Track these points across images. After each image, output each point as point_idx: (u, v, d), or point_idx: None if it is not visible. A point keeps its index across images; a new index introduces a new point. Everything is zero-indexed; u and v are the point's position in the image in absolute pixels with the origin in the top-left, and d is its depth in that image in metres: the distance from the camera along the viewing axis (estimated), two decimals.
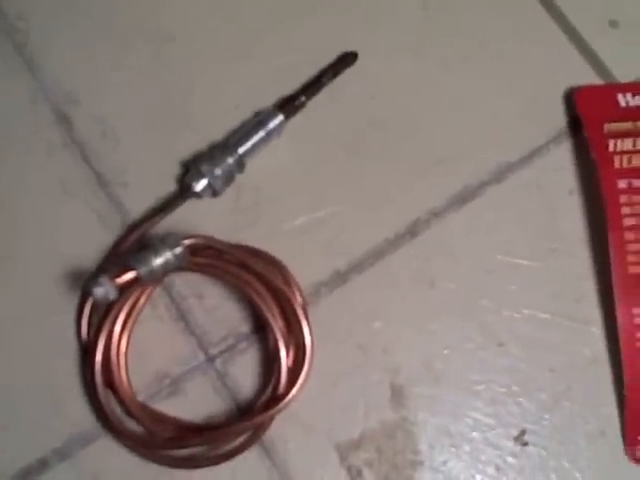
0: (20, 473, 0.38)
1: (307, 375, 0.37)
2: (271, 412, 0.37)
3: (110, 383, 0.38)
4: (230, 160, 0.41)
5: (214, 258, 0.39)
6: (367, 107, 0.44)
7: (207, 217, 0.41)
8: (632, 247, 0.39)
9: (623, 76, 0.44)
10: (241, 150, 0.41)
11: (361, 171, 0.43)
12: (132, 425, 0.38)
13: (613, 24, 0.45)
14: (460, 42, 0.45)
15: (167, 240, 0.37)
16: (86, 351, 0.38)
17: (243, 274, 0.38)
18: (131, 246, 0.40)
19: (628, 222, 0.40)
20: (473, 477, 0.39)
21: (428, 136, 0.43)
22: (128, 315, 0.38)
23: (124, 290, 0.38)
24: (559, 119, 0.43)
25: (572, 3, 0.46)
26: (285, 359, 0.37)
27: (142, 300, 0.39)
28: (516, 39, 0.45)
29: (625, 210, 0.40)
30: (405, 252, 0.42)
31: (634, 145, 0.41)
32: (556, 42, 0.45)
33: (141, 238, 0.40)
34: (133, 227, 0.40)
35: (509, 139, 0.43)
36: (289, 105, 0.42)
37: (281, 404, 0.37)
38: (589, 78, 0.44)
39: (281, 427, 0.39)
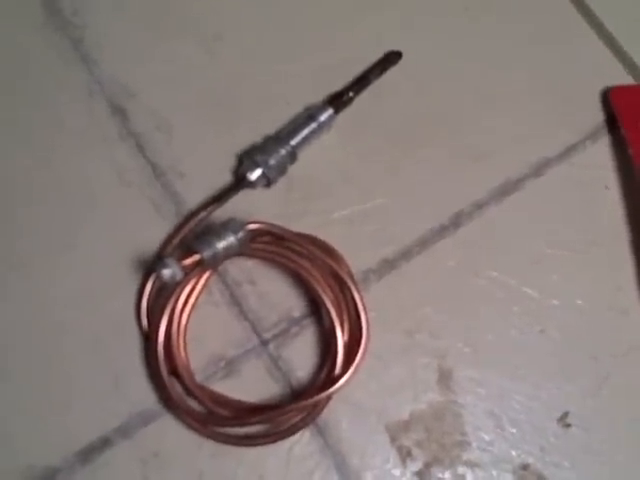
0: (83, 451, 0.39)
1: (363, 356, 0.39)
2: (328, 392, 0.38)
3: (171, 364, 0.39)
4: (283, 151, 0.42)
5: (271, 244, 0.40)
6: (411, 104, 0.46)
7: (260, 207, 0.43)
8: None
9: None
10: (293, 142, 0.43)
11: (406, 164, 0.45)
12: (192, 404, 0.39)
13: None
14: (500, 42, 0.47)
15: (230, 225, 0.39)
16: (147, 334, 0.40)
17: (300, 259, 0.40)
18: (188, 234, 0.42)
19: None
20: (519, 457, 0.40)
21: (470, 132, 0.45)
22: (187, 298, 0.40)
23: (186, 274, 0.39)
24: (595, 117, 0.46)
25: (604, 6, 0.48)
26: (341, 339, 0.39)
27: (201, 284, 0.40)
28: (552, 41, 0.47)
29: None
30: (449, 242, 0.43)
31: None
32: (591, 44, 0.47)
33: (198, 226, 0.42)
34: (190, 215, 0.42)
35: (547, 135, 0.45)
36: (338, 100, 0.44)
37: (338, 384, 0.38)
38: (622, 78, 0.46)
39: (334, 408, 0.40)
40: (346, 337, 0.39)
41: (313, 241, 0.41)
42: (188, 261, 0.38)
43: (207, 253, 0.38)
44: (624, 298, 0.43)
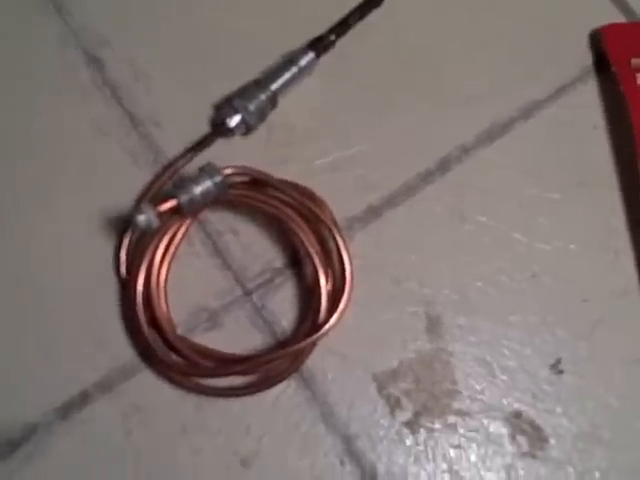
0: (63, 406, 0.38)
1: (347, 302, 0.38)
2: (312, 338, 0.37)
3: (151, 315, 0.38)
4: (263, 97, 0.41)
5: (252, 190, 0.39)
6: (396, 47, 0.44)
7: (240, 155, 0.41)
8: None
9: None
10: (273, 87, 0.41)
11: (392, 109, 0.43)
12: (173, 357, 0.38)
13: None
14: None
15: (206, 169, 0.37)
16: (125, 285, 0.39)
17: (281, 205, 0.39)
18: (167, 183, 0.40)
19: None
20: (510, 405, 0.39)
21: (456, 75, 0.44)
22: (167, 248, 0.39)
23: (163, 222, 0.38)
24: (584, 58, 0.44)
25: None
26: (325, 286, 0.38)
27: (180, 233, 0.39)
28: None
29: None
30: (437, 187, 0.42)
31: None
32: None
33: (176, 175, 0.41)
34: (169, 164, 0.41)
35: (536, 77, 0.44)
36: (319, 44, 0.43)
37: (322, 330, 0.37)
38: (613, 17, 0.45)
39: (320, 359, 0.39)
40: (330, 285, 0.38)
41: (295, 187, 0.39)
42: (164, 207, 0.37)
43: (184, 198, 0.37)
44: (615, 239, 0.41)
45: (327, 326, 0.37)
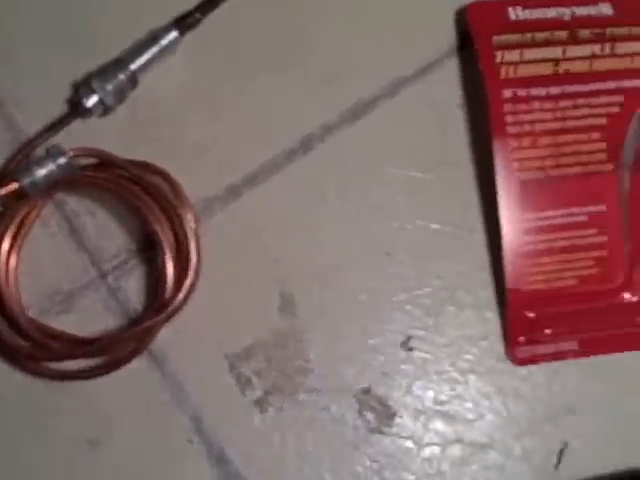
0: None
1: (192, 282, 0.38)
2: (156, 319, 0.38)
3: None
4: (122, 76, 0.41)
5: (106, 172, 0.39)
6: (261, 25, 0.44)
7: (100, 136, 0.41)
8: (516, 154, 0.40)
9: None
10: (133, 66, 0.41)
11: (254, 87, 0.43)
12: (20, 341, 0.39)
13: None
14: None
15: (51, 151, 0.37)
16: None
17: (133, 187, 0.39)
18: (20, 165, 0.40)
19: (512, 130, 0.40)
20: (360, 382, 0.40)
21: (322, 53, 0.43)
22: (17, 232, 0.39)
23: (12, 206, 0.38)
24: (452, 35, 0.44)
25: None
26: (170, 267, 0.38)
27: (32, 217, 0.39)
28: None
29: (509, 118, 0.40)
30: (299, 166, 0.42)
31: (521, 56, 0.41)
32: None
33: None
34: (23, 146, 0.41)
35: (402, 54, 0.43)
36: (183, 22, 0.42)
37: (166, 311, 0.38)
38: None
39: (172, 338, 0.39)
40: (178, 267, 0.38)
41: (145, 166, 0.39)
42: (7, 189, 0.37)
43: (26, 181, 0.37)
44: (471, 217, 0.42)
45: (171, 307, 0.38)
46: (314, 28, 0.44)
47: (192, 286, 0.38)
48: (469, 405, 0.40)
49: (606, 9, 0.42)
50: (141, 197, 0.38)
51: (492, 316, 0.41)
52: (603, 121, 0.41)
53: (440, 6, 0.44)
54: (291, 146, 0.42)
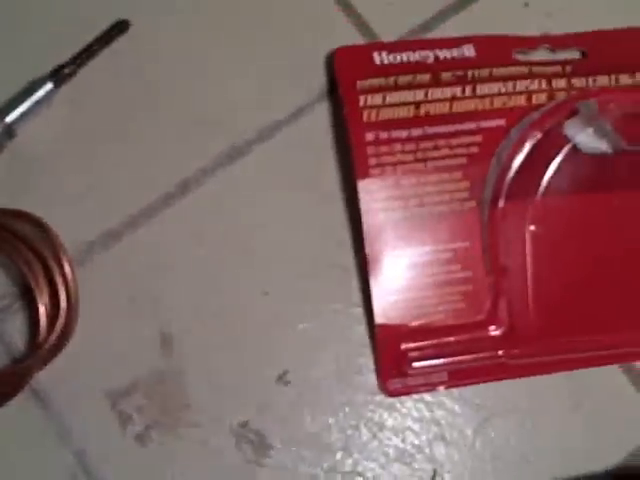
0: None
1: (63, 326, 0.40)
2: (30, 360, 0.39)
3: None
4: None
5: None
6: (140, 73, 0.45)
7: None
8: (380, 194, 0.42)
9: (386, 36, 0.46)
10: (9, 118, 0.43)
11: (132, 133, 0.44)
12: None
13: None
14: (226, 9, 0.47)
15: None
16: None
17: (6, 235, 0.40)
18: None
19: (375, 172, 0.42)
20: (237, 416, 0.42)
21: (198, 99, 0.45)
22: None
23: None
24: (322, 79, 0.46)
25: None
26: (43, 313, 0.40)
27: None
28: (282, 4, 0.47)
29: (372, 161, 0.42)
30: (176, 210, 0.44)
31: (383, 100, 0.43)
32: (323, 4, 0.47)
33: None
34: None
35: (276, 98, 0.45)
36: (59, 74, 0.44)
37: (39, 353, 0.39)
38: (354, 39, 0.46)
39: (56, 378, 0.41)
40: (51, 309, 0.40)
41: (18, 215, 0.41)
42: None
43: None
44: (344, 256, 0.44)
45: (44, 348, 0.40)
46: (192, 74, 0.46)
47: (65, 328, 0.40)
48: (341, 436, 0.42)
49: (468, 51, 0.45)
50: (14, 245, 0.40)
51: (366, 350, 0.43)
52: (464, 160, 0.43)
53: (312, 50, 0.46)
54: (168, 190, 0.44)
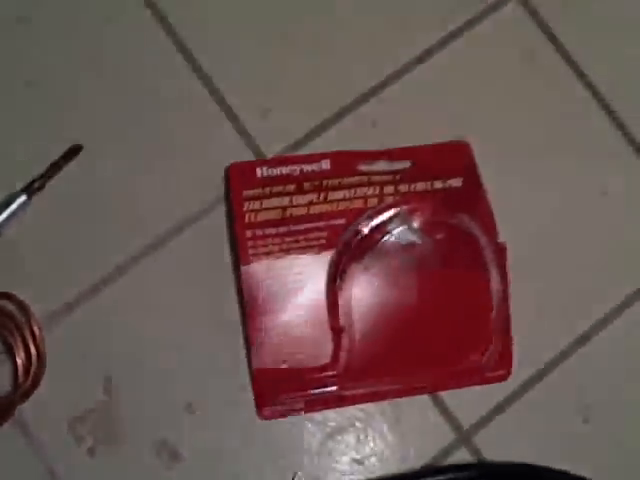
0: None
1: (35, 373, 0.57)
2: (12, 397, 0.57)
3: None
4: None
5: None
6: (88, 194, 0.62)
7: None
8: (255, 275, 0.58)
9: (270, 150, 0.63)
10: None
11: (71, 232, 0.61)
12: None
13: (265, 111, 0.64)
14: (146, 138, 0.64)
15: None
16: None
17: None
18: None
19: (252, 259, 0.58)
20: (156, 434, 0.59)
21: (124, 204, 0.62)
22: None
23: None
24: (221, 186, 0.62)
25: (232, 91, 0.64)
26: (20, 364, 0.57)
27: None
28: (186, 125, 0.64)
29: (250, 251, 0.58)
30: (108, 293, 0.61)
31: (260, 205, 0.59)
32: (219, 125, 0.64)
33: None
34: None
35: (184, 203, 0.62)
36: (30, 187, 0.61)
37: (18, 392, 0.57)
38: (246, 156, 0.63)
39: (31, 410, 0.58)
40: (26, 360, 0.58)
41: (3, 295, 0.59)
42: None
43: None
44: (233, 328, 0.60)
45: (21, 389, 0.57)
46: (119, 187, 0.63)
47: (37, 374, 0.58)
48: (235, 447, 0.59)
49: (325, 165, 0.61)
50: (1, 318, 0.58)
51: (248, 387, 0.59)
52: (316, 250, 0.59)
53: (211, 166, 0.62)
54: (103, 276, 0.61)
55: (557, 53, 0.67)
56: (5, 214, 0.60)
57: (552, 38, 0.67)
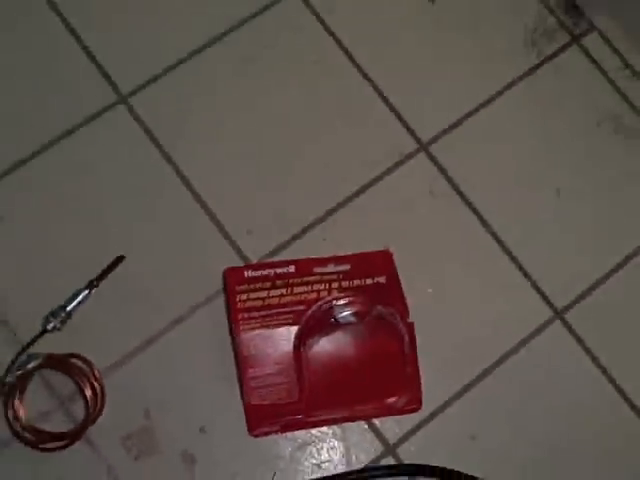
0: None
1: (99, 407, 0.87)
2: (84, 424, 0.87)
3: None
4: (63, 314, 0.89)
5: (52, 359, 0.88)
6: (128, 289, 0.92)
7: (51, 345, 0.89)
8: (245, 342, 0.88)
9: (254, 256, 0.92)
10: (69, 307, 0.89)
11: None
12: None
13: (249, 232, 0.93)
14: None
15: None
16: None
17: (70, 367, 0.87)
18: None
19: (243, 329, 0.88)
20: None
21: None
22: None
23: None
24: (219, 282, 0.92)
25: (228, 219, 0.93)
26: (90, 401, 0.87)
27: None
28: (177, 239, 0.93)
29: (242, 327, 0.88)
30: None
31: (247, 296, 0.88)
32: (218, 240, 0.93)
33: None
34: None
35: (184, 298, 0.92)
36: (91, 285, 0.90)
37: (88, 418, 0.87)
38: (236, 261, 0.92)
39: (96, 432, 0.88)
40: (92, 397, 0.87)
41: (74, 355, 0.88)
42: None
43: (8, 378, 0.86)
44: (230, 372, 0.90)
45: (90, 417, 0.87)
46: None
47: (100, 407, 0.87)
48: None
49: (291, 268, 0.90)
50: (74, 371, 0.87)
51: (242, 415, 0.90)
52: (286, 326, 0.89)
53: (206, 267, 0.92)
54: (137, 345, 0.91)
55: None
56: (74, 303, 0.90)
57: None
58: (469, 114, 0.99)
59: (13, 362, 0.88)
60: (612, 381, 0.93)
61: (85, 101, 0.95)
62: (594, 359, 0.94)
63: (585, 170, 0.99)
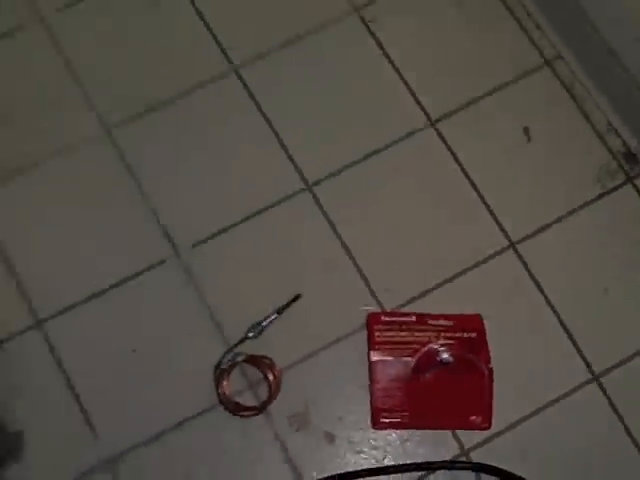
0: None
1: (276, 388, 1.31)
2: (268, 400, 1.31)
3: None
4: (258, 328, 1.34)
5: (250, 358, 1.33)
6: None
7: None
8: (380, 364, 1.32)
9: (388, 308, 1.36)
10: (263, 323, 1.34)
11: None
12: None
13: (388, 289, 1.37)
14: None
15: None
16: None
17: (260, 363, 1.33)
18: None
19: (376, 357, 1.32)
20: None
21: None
22: None
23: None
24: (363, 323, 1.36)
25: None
26: (271, 384, 1.31)
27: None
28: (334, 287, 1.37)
29: (376, 354, 1.32)
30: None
31: (382, 334, 1.32)
32: (364, 292, 1.37)
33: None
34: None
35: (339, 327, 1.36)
36: (279, 311, 1.35)
37: (270, 396, 1.31)
38: (376, 307, 1.36)
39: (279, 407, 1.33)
40: (273, 381, 1.32)
41: (264, 357, 1.33)
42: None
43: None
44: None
45: (271, 397, 1.31)
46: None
47: (276, 389, 1.31)
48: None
49: (412, 318, 1.34)
50: (261, 366, 1.32)
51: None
52: (406, 357, 1.32)
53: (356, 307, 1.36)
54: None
55: None
56: (266, 322, 1.35)
57: None
58: (559, 219, 1.41)
59: (224, 356, 1.34)
60: None
61: None
62: None
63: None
